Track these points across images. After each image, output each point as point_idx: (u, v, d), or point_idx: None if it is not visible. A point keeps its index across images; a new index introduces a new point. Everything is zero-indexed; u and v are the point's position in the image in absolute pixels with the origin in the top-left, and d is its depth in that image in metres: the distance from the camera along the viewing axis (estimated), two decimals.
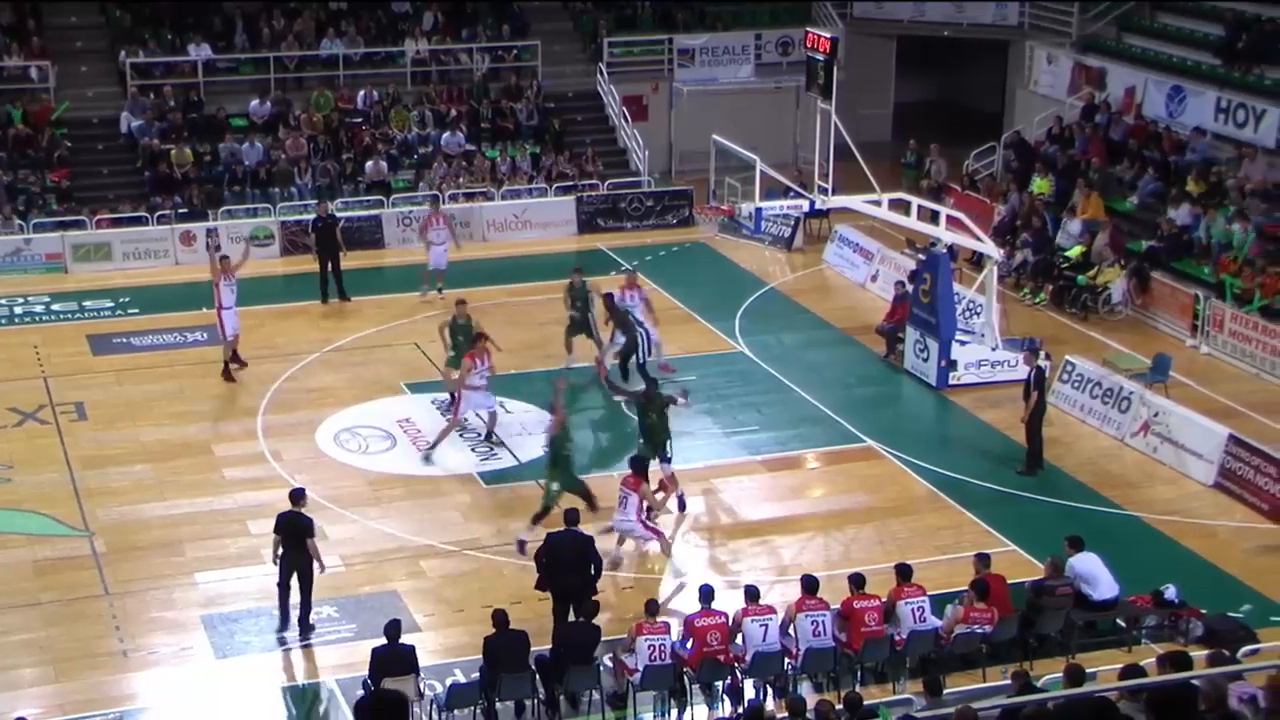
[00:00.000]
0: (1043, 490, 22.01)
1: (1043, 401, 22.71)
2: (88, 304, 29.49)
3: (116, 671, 17.70)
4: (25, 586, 19.44)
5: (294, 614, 18.41)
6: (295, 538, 18.18)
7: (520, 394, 24.95)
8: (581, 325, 26.00)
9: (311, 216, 30.82)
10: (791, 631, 17.05)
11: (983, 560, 18.18)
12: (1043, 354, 23.47)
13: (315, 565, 18.24)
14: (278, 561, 18.23)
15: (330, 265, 29.37)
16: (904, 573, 17.62)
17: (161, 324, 28.35)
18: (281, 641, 18.26)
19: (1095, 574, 18.20)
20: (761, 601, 17.17)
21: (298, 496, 18.59)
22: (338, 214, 31.07)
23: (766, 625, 16.89)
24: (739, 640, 16.92)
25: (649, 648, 16.49)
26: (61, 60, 35.21)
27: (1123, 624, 18.33)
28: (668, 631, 16.69)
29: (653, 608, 16.89)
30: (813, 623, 16.93)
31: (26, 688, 17.38)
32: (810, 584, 17.24)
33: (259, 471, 22.46)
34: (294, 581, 18.24)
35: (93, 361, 26.73)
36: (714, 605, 17.00)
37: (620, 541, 19.66)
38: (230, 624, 18.54)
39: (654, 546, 19.85)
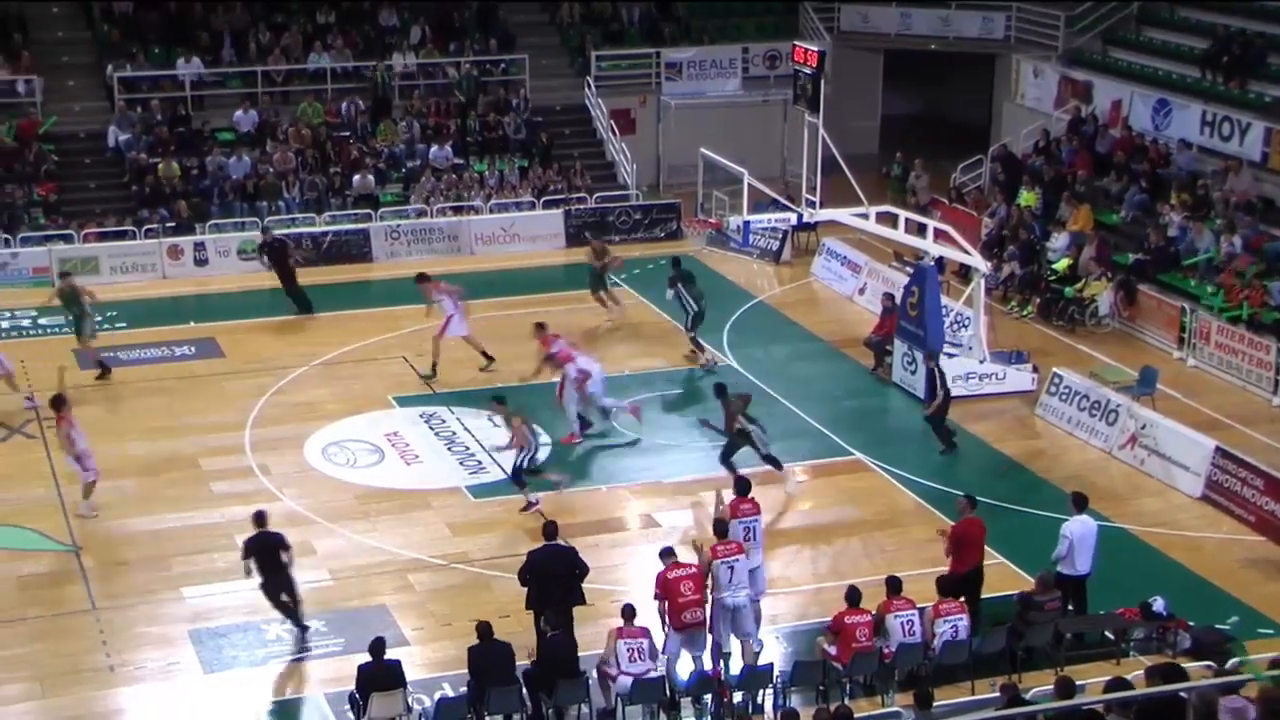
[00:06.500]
0: (1030, 503, 22.03)
1: (947, 397, 23.51)
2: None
3: (103, 687, 17.65)
4: (11, 602, 19.38)
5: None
6: (272, 557, 18.06)
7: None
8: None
9: (300, 231, 31.01)
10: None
11: (970, 501, 18.80)
12: (932, 358, 24.11)
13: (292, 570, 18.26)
14: (262, 587, 18.17)
15: (289, 284, 29.48)
16: (894, 586, 17.65)
17: (149, 338, 28.30)
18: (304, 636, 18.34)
19: (1082, 543, 18.36)
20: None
21: (263, 517, 18.45)
22: (309, 231, 31.63)
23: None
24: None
25: (628, 651, 16.52)
26: (49, 75, 35.18)
27: (1110, 636, 18.36)
28: (646, 635, 16.74)
29: (629, 612, 16.90)
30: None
31: (13, 704, 17.32)
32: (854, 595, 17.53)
33: (246, 486, 22.42)
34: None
35: (80, 376, 26.66)
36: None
37: None
38: (218, 639, 18.48)
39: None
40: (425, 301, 26.82)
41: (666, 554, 17.45)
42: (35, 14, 36.52)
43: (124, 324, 29.07)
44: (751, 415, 22.05)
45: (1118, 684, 14.03)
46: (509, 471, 21.88)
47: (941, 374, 23.54)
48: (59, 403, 21.61)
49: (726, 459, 22.00)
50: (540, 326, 24.91)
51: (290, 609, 18.42)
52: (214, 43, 36.50)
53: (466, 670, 16.53)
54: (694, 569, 17.28)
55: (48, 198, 32.89)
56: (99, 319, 27.29)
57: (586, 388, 23.80)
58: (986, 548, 18.92)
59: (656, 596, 17.18)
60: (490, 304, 29.54)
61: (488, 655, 16.41)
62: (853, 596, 17.38)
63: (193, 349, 27.78)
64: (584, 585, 17.76)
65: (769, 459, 22.12)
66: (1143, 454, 23.28)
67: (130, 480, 22.64)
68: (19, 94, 34.50)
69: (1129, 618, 18.55)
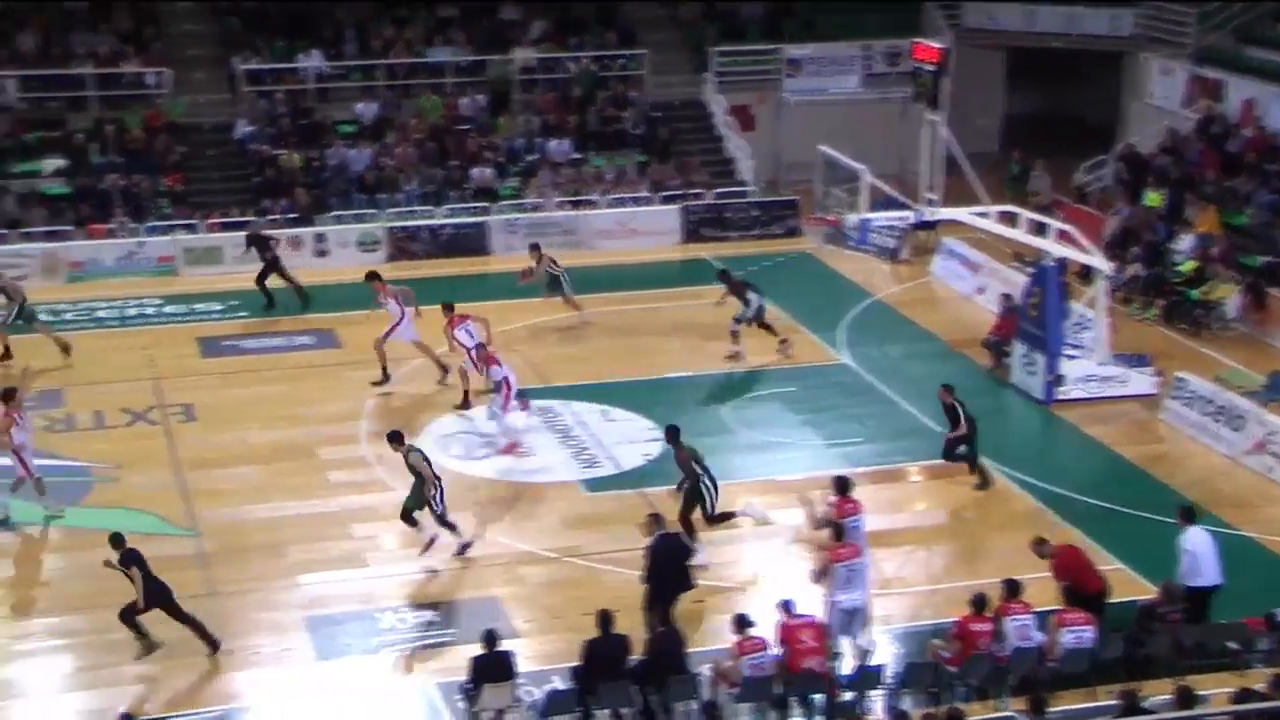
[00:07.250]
0: (1151, 508, 21.58)
1: (972, 428, 22.28)
2: (198, 306, 29.90)
3: (219, 670, 17.88)
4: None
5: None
6: (143, 566, 17.89)
7: (625, 403, 24.93)
8: None
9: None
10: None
11: (1039, 543, 18.16)
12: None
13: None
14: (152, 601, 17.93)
15: (262, 276, 29.55)
16: (1012, 588, 17.36)
17: (269, 327, 28.68)
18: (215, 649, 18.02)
19: (1205, 554, 17.97)
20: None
21: (121, 539, 18.11)
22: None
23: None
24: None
25: (750, 667, 16.34)
26: (177, 68, 35.76)
27: (1235, 646, 17.92)
28: (765, 648, 16.55)
29: (743, 622, 16.70)
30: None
31: (130, 684, 17.60)
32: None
33: (362, 475, 22.62)
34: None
35: (202, 364, 27.09)
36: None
37: None
38: (332, 626, 18.64)
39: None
40: (372, 303, 26.28)
41: (784, 606, 17.06)
42: (164, 8, 37.16)
43: (245, 313, 29.48)
44: (704, 465, 20.41)
45: (1245, 696, 13.70)
46: (436, 514, 20.12)
47: (963, 408, 22.36)
48: (8, 395, 21.35)
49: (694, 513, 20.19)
50: (449, 307, 24.89)
51: (194, 623, 18.04)
52: (336, 36, 36.91)
53: (579, 661, 16.44)
54: (813, 618, 16.97)
55: (174, 188, 33.45)
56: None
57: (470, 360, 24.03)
58: (1107, 553, 18.58)
59: (780, 643, 16.85)
60: (606, 299, 29.57)
61: (603, 648, 16.31)
62: (979, 602, 17.05)
63: (312, 339, 28.10)
64: (698, 582, 17.72)
65: (717, 517, 20.30)
66: (1271, 461, 22.74)
67: (249, 468, 22.93)
68: (148, 85, 35.09)
69: (1253, 628, 18.10)
